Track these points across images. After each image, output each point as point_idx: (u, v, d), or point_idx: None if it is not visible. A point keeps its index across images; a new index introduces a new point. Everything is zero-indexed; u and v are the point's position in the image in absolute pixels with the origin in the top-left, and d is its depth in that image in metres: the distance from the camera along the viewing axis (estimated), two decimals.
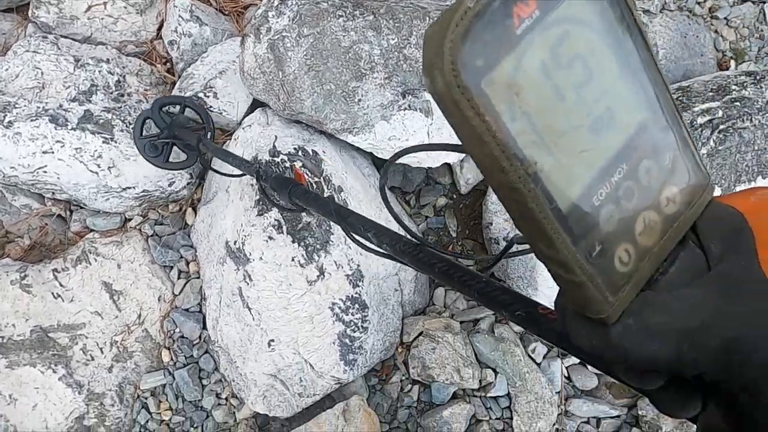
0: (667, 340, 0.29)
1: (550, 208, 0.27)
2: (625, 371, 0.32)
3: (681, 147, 0.33)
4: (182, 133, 1.46)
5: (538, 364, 1.57)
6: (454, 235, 1.75)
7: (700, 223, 0.34)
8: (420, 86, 1.48)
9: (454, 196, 1.77)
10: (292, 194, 0.85)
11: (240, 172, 1.17)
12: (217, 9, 1.80)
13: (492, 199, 1.58)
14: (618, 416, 1.57)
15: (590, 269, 0.29)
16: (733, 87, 1.48)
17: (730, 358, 0.27)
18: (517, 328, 1.60)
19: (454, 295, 1.66)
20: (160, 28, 1.76)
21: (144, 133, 1.51)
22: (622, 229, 0.30)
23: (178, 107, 1.54)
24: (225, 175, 1.33)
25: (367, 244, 0.69)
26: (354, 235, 0.71)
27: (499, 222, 1.56)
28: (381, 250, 0.68)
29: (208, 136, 1.56)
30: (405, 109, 1.47)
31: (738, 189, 1.41)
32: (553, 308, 0.44)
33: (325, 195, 1.45)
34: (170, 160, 1.53)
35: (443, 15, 0.25)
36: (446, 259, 0.59)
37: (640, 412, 1.54)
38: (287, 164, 1.43)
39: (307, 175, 1.44)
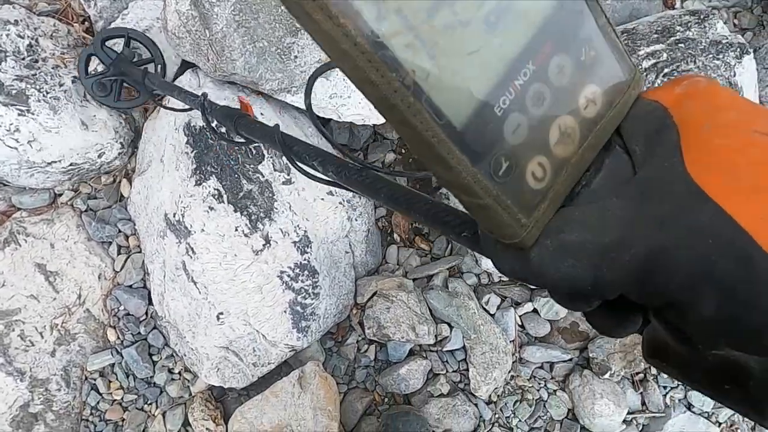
0: (583, 261, 0.25)
1: (439, 124, 0.23)
2: (555, 294, 0.29)
3: (601, 34, 0.28)
4: (129, 69, 1.37)
5: (492, 315, 1.59)
6: None
7: (624, 123, 0.29)
8: None
9: (403, 151, 1.73)
10: (237, 125, 0.81)
11: (187, 107, 1.12)
12: None
13: None
14: (570, 359, 1.62)
15: (496, 190, 0.25)
16: (678, 28, 1.46)
17: (649, 273, 0.24)
18: (471, 281, 1.61)
19: (406, 252, 1.65)
20: None
21: (89, 72, 1.44)
22: (534, 140, 0.26)
23: (122, 41, 1.45)
24: (175, 110, 1.26)
25: (313, 172, 0.66)
26: (300, 164, 0.67)
27: None
28: (327, 178, 0.64)
29: (158, 69, 1.47)
30: None
31: None
32: None
33: (267, 156, 1.38)
34: (122, 98, 1.47)
35: None
36: (391, 182, 0.54)
37: (590, 354, 1.59)
38: (223, 129, 1.35)
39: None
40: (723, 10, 1.88)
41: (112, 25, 1.51)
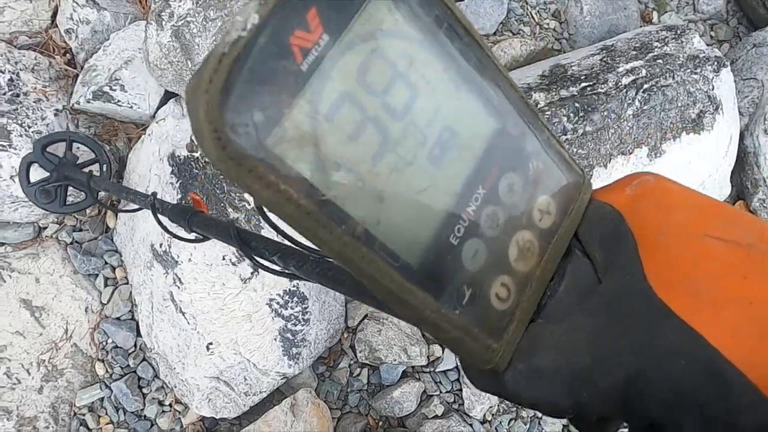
0: (560, 385, 0.25)
1: (395, 267, 0.23)
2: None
3: (545, 148, 0.28)
4: (72, 173, 1.32)
5: None
6: None
7: (580, 228, 0.29)
8: None
9: None
10: (191, 223, 0.78)
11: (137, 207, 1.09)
12: None
13: None
14: None
15: (462, 321, 0.25)
16: (655, 44, 1.48)
17: (628, 398, 0.24)
18: None
19: None
20: (55, 15, 1.61)
21: (32, 179, 1.35)
22: (494, 262, 0.26)
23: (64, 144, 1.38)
24: (125, 211, 1.23)
25: (274, 267, 0.65)
26: (259, 260, 0.66)
27: None
28: (289, 272, 0.62)
29: (104, 170, 1.41)
30: None
31: (664, 147, 1.43)
32: None
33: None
34: (68, 202, 1.40)
35: (201, 65, 0.19)
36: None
37: None
38: (206, 160, 1.35)
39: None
40: (699, 23, 1.91)
41: (51, 132, 1.43)
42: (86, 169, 1.37)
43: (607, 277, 0.27)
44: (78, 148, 1.41)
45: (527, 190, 0.28)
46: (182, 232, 0.83)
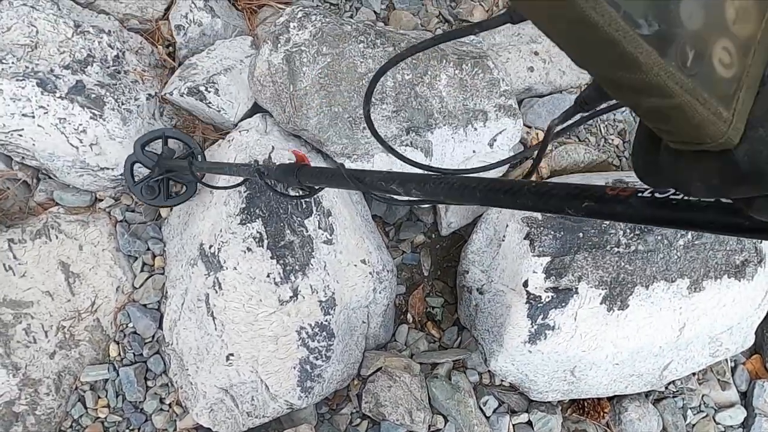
0: None
1: (620, 17, 0.23)
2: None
3: None
4: (173, 164, 1.40)
5: (488, 418, 1.58)
6: (426, 274, 1.75)
7: None
8: (424, 126, 1.48)
9: (433, 236, 1.77)
10: (300, 177, 0.81)
11: (241, 179, 1.13)
12: (230, 2, 1.76)
13: (472, 249, 1.59)
14: None
15: (690, 82, 0.24)
16: None
17: None
18: (473, 379, 1.61)
19: (416, 335, 1.66)
20: (168, 9, 1.69)
21: (136, 179, 1.45)
22: (712, 23, 0.24)
23: (159, 142, 1.47)
24: (226, 188, 1.30)
25: (394, 196, 0.65)
26: (377, 193, 0.67)
27: (476, 272, 1.57)
28: (413, 198, 0.61)
29: (200, 159, 1.49)
30: (407, 145, 1.47)
31: (704, 284, 1.47)
32: (621, 186, 0.38)
33: (315, 212, 1.42)
34: (171, 195, 1.49)
35: None
36: (482, 178, 0.51)
37: None
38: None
39: (299, 192, 1.41)
40: None
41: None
42: None
43: None
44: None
45: None
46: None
